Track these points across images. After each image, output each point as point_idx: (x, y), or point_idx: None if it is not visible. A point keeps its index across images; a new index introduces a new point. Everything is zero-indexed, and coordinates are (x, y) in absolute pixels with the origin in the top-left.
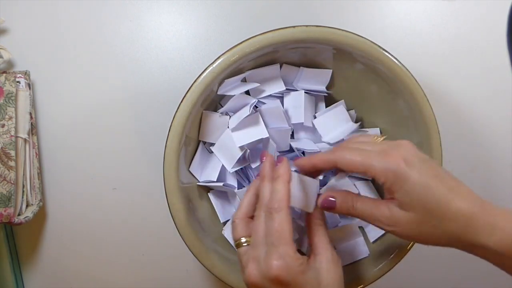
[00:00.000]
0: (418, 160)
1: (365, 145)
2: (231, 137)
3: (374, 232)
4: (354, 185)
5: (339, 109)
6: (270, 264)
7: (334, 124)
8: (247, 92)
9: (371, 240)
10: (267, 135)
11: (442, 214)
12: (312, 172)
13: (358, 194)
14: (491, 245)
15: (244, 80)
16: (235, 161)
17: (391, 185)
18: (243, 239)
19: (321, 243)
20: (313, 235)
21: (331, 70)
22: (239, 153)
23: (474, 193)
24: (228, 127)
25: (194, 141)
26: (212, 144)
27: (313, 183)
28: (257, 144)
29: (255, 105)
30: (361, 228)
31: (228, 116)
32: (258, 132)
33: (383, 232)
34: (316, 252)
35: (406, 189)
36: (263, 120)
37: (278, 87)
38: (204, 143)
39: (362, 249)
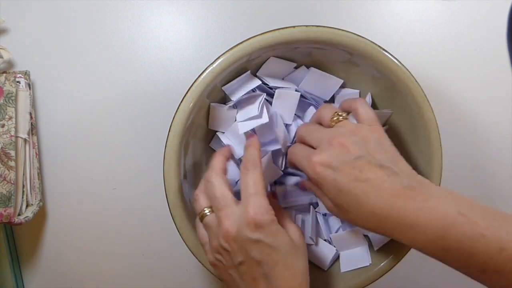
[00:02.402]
0: (338, 163)
1: (314, 133)
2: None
3: (378, 240)
4: None
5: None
6: (248, 210)
7: None
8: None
9: (375, 248)
10: (267, 120)
11: (355, 215)
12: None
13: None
14: (406, 242)
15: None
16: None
17: (314, 185)
18: (206, 210)
19: (284, 221)
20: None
21: (342, 81)
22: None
23: (407, 191)
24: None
25: (201, 128)
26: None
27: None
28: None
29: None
30: (366, 236)
31: (236, 110)
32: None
33: (387, 240)
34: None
35: (324, 191)
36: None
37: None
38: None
39: (365, 258)
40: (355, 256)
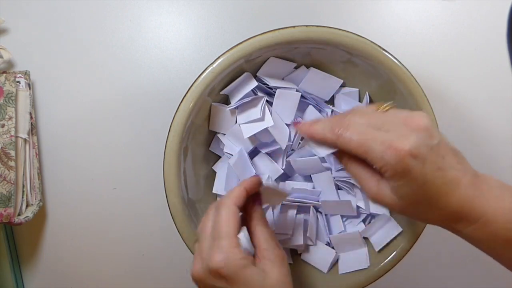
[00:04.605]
0: (426, 150)
1: (371, 118)
2: (241, 131)
3: (379, 242)
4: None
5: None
6: (211, 257)
7: None
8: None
9: (376, 250)
10: (272, 123)
11: (429, 207)
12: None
13: (353, 157)
14: (466, 233)
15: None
16: (249, 149)
17: (388, 176)
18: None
19: (262, 244)
20: (253, 237)
21: (342, 81)
22: (250, 146)
23: (474, 180)
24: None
25: (202, 128)
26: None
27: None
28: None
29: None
30: (366, 239)
31: (236, 110)
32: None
33: (388, 240)
34: (259, 255)
35: (402, 183)
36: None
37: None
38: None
39: (363, 260)
40: (354, 259)
